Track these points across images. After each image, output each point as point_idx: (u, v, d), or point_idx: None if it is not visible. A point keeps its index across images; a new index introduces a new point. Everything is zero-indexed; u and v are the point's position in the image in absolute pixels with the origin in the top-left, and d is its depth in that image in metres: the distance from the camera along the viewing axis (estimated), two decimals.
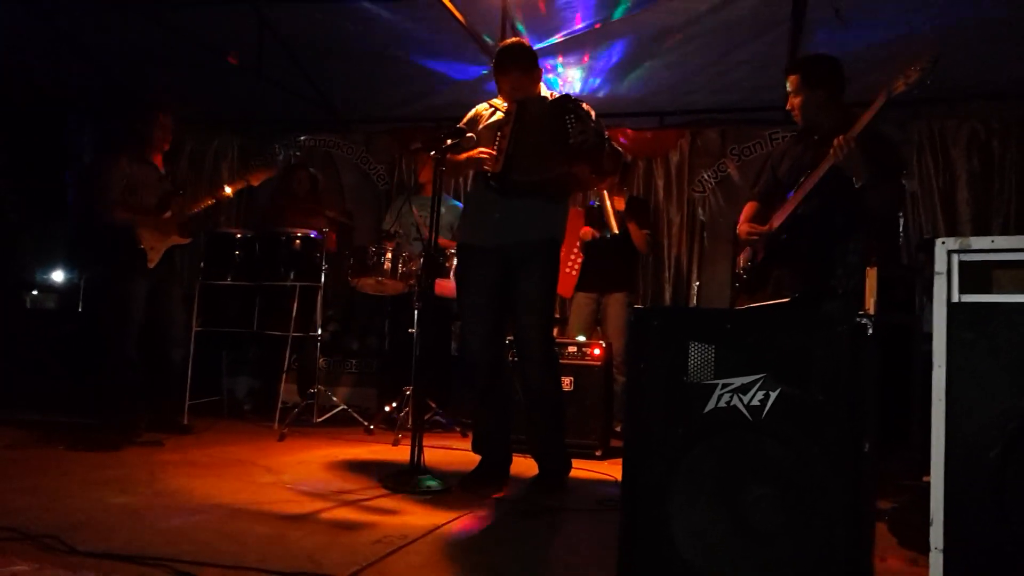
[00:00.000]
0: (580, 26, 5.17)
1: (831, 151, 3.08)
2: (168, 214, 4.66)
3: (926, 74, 2.91)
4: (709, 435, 1.95)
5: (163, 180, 4.79)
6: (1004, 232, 5.45)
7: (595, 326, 5.39)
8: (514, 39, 3.73)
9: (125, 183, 4.58)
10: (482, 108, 3.62)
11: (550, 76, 5.76)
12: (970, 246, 1.84)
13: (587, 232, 5.26)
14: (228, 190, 4.83)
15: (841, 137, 3.06)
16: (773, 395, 1.88)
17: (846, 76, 3.43)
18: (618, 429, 5.02)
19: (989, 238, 1.84)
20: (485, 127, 3.50)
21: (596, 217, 5.28)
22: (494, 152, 3.34)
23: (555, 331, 4.45)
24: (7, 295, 5.76)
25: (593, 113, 3.50)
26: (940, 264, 1.84)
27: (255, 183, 4.98)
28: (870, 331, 1.83)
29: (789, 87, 3.43)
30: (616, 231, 5.12)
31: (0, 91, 6.17)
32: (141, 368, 4.54)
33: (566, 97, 3.36)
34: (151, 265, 4.54)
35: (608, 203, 5.11)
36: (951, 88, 5.25)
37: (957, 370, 1.80)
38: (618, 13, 5.02)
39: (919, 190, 5.69)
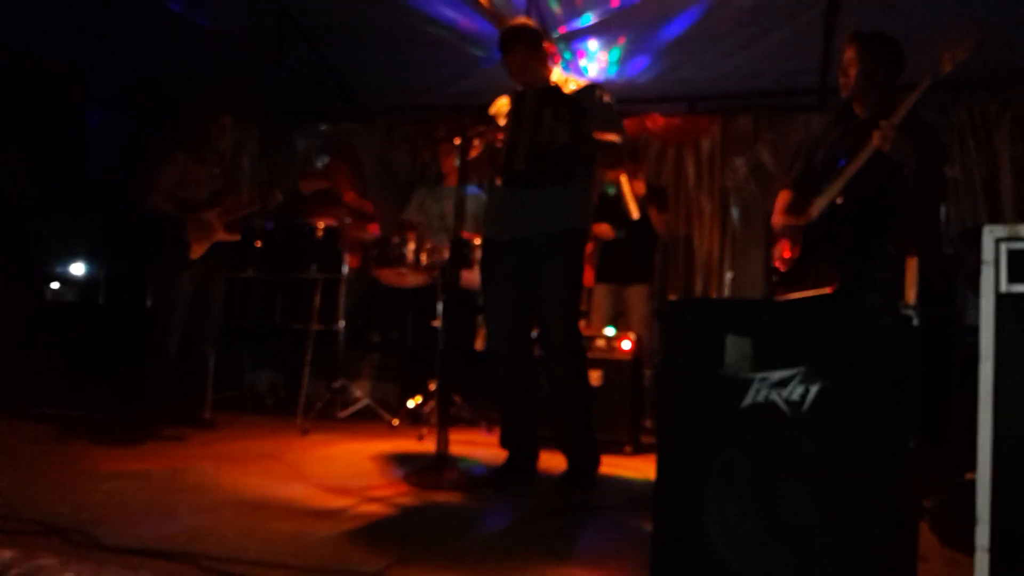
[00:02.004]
0: (607, 10, 5.10)
1: (875, 137, 2.98)
2: (217, 210, 4.73)
3: (973, 54, 2.80)
4: (746, 430, 1.92)
5: (216, 179, 4.87)
6: None
7: (617, 318, 5.31)
8: (519, 19, 3.65)
9: (178, 177, 4.68)
10: (502, 101, 3.57)
11: (574, 59, 5.68)
12: (1019, 234, 1.76)
13: (604, 230, 5.18)
14: (279, 195, 4.93)
15: (884, 122, 2.96)
16: (813, 390, 1.84)
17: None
18: (648, 424, 4.95)
19: None
20: (503, 119, 3.46)
21: (612, 206, 5.19)
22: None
23: (582, 324, 4.37)
24: (27, 288, 5.80)
25: (606, 97, 3.43)
26: (988, 253, 1.77)
27: (305, 191, 5.07)
28: (915, 323, 1.77)
29: (849, 55, 3.30)
30: (637, 216, 5.03)
31: (19, 82, 6.21)
32: (174, 362, 4.59)
33: (549, 90, 3.26)
34: (194, 257, 4.60)
35: (627, 188, 5.02)
36: (992, 73, 5.11)
37: (1005, 363, 1.72)
38: None
39: (960, 177, 5.55)
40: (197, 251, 4.61)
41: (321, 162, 5.97)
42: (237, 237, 4.83)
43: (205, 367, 4.81)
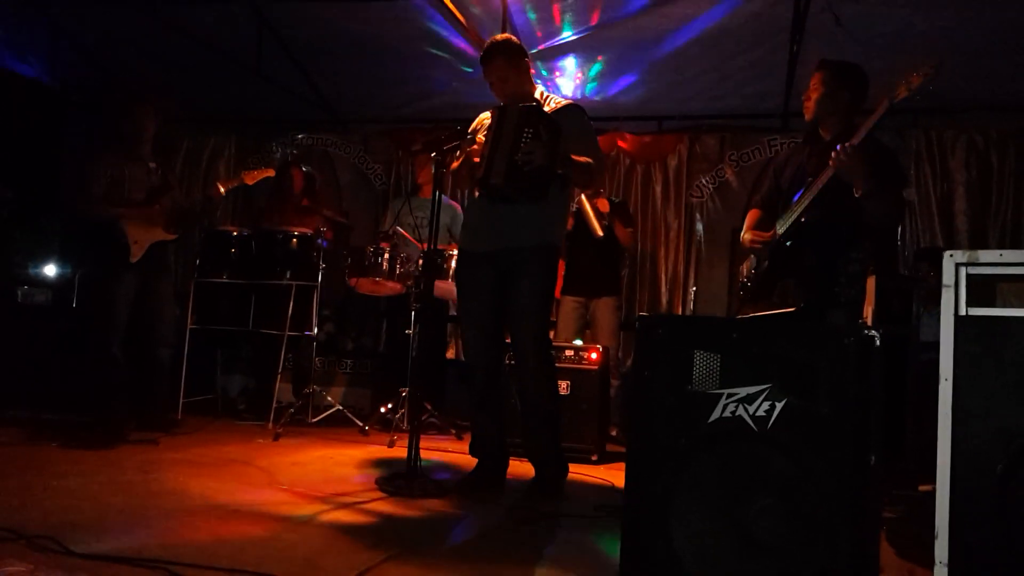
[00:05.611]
0: (581, 29, 5.17)
1: (831, 160, 3.07)
2: (155, 208, 4.58)
3: (929, 80, 2.87)
4: (713, 445, 1.95)
5: (152, 174, 4.68)
6: (1001, 243, 5.46)
7: (583, 330, 5.37)
8: (501, 35, 3.70)
9: (111, 177, 4.52)
10: (485, 116, 3.61)
11: (548, 76, 5.74)
12: (978, 259, 1.83)
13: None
14: (221, 188, 4.79)
15: (840, 146, 3.05)
16: (779, 406, 1.88)
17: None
18: (613, 433, 5.02)
19: (997, 252, 1.83)
20: (484, 133, 3.50)
21: (578, 220, 5.26)
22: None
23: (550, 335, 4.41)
24: None
25: (584, 118, 3.49)
26: (948, 277, 1.84)
27: (249, 182, 4.95)
28: (877, 343, 1.83)
29: (813, 81, 3.37)
30: (600, 235, 5.09)
31: None
32: (127, 366, 4.45)
33: (531, 109, 3.30)
34: (133, 259, 4.44)
35: (588, 208, 5.08)
36: (950, 98, 5.27)
37: (963, 384, 1.80)
38: (618, 17, 5.03)
39: (916, 200, 5.70)
40: (136, 253, 4.45)
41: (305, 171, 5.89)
42: (175, 236, 4.68)
43: (167, 370, 4.72)
